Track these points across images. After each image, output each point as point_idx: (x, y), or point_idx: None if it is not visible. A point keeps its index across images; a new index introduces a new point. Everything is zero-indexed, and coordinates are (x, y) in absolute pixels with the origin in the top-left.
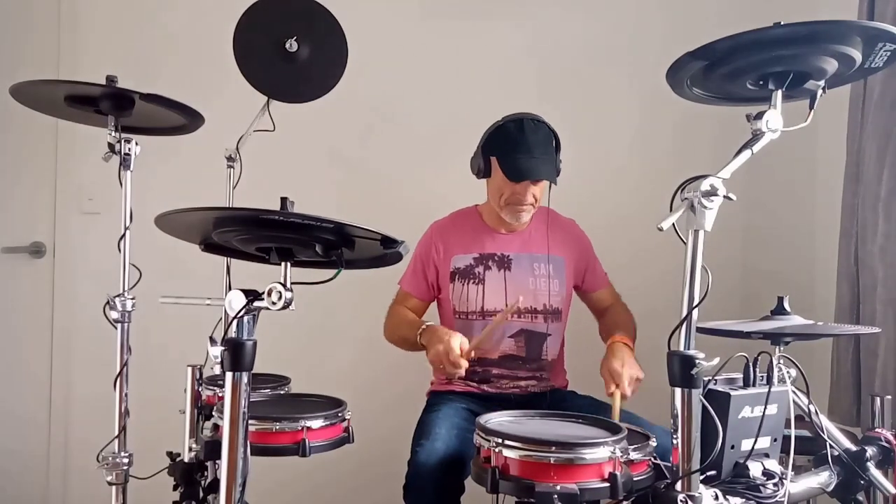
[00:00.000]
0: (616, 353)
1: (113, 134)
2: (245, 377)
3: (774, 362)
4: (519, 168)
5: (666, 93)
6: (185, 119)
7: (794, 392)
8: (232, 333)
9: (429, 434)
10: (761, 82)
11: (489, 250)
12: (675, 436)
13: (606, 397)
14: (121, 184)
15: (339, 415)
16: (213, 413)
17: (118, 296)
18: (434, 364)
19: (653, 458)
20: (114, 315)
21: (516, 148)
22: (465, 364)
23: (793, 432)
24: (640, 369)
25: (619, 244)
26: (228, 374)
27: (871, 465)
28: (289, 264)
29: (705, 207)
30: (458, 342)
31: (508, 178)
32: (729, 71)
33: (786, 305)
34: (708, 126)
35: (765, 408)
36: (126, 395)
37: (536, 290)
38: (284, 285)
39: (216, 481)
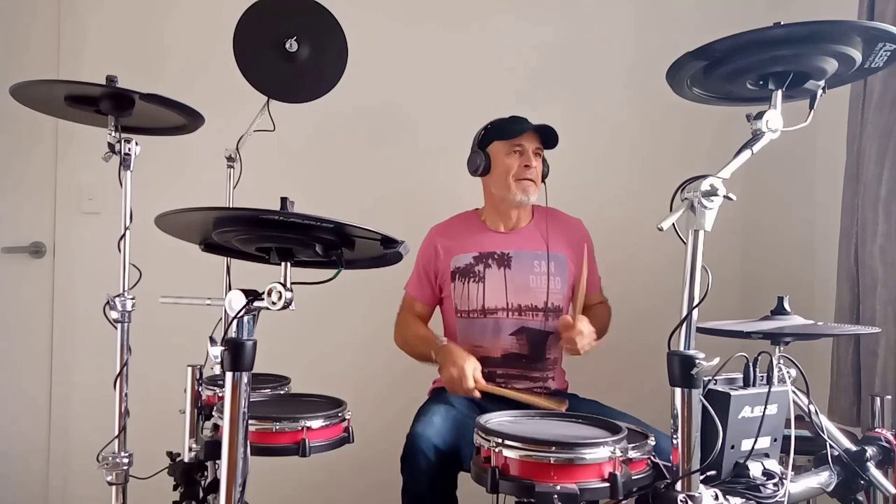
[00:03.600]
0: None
1: (113, 134)
2: (245, 377)
3: (774, 362)
4: (518, 128)
5: (665, 92)
6: (185, 119)
7: (794, 392)
8: (232, 333)
9: (427, 411)
10: (761, 82)
11: (489, 249)
12: (675, 436)
13: (609, 401)
14: (121, 184)
15: (339, 415)
16: (213, 413)
17: (118, 296)
18: (447, 386)
19: (651, 457)
20: (114, 315)
21: (514, 121)
22: (476, 394)
23: (793, 432)
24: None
25: (617, 243)
26: (228, 374)
27: (871, 465)
28: (289, 264)
29: (705, 207)
30: (471, 369)
31: (512, 137)
32: (729, 71)
33: (786, 305)
34: (707, 126)
35: (765, 408)
36: (126, 394)
37: (537, 288)
38: (284, 285)
39: (216, 481)
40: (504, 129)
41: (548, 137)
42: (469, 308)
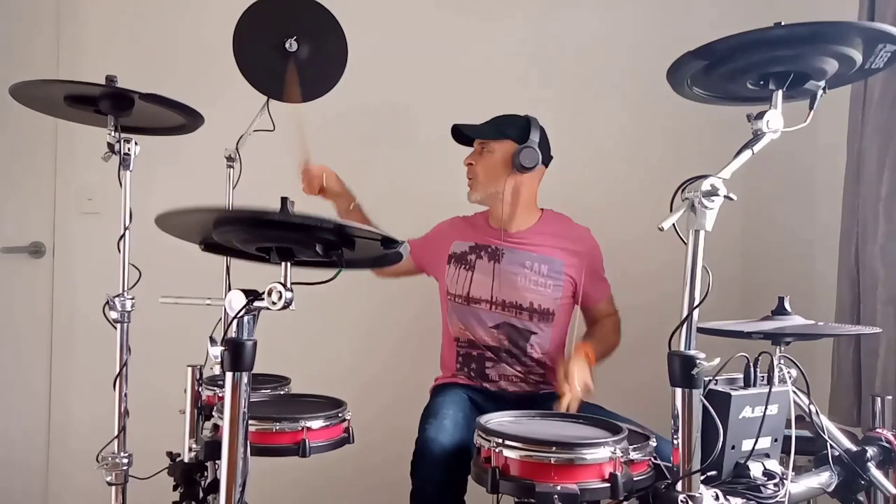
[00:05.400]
0: (576, 358)
1: (112, 134)
2: (245, 377)
3: (775, 362)
4: (455, 137)
5: (666, 92)
6: (184, 119)
7: (794, 392)
8: (232, 333)
9: (437, 413)
10: (762, 82)
11: (485, 241)
12: (675, 436)
13: (608, 402)
14: (120, 184)
15: (339, 415)
16: (213, 413)
17: (118, 296)
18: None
19: (653, 459)
20: (113, 315)
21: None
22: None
23: (793, 432)
24: (591, 379)
25: (616, 243)
26: (228, 375)
27: (871, 466)
28: (289, 264)
29: (706, 207)
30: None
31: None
32: (729, 71)
33: (786, 305)
34: (708, 126)
35: (765, 408)
36: (126, 395)
37: (524, 288)
38: (284, 285)
39: (216, 481)
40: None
41: (479, 130)
42: (456, 293)
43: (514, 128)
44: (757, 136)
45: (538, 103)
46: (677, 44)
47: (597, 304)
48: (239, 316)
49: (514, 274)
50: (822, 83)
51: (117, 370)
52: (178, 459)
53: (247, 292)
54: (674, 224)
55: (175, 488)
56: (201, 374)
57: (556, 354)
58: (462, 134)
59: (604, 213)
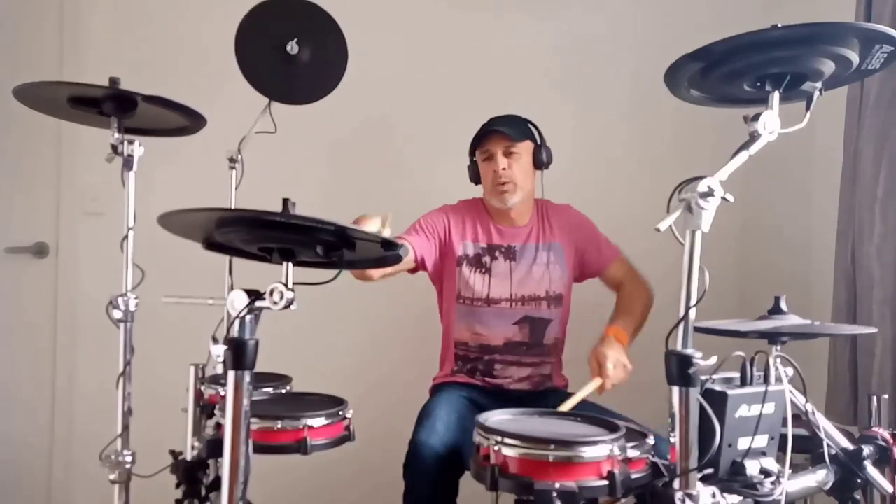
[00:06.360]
0: (605, 342)
1: (116, 135)
2: (247, 376)
3: (771, 361)
4: (480, 133)
5: (665, 93)
6: (187, 120)
7: (790, 391)
8: (234, 333)
9: (430, 415)
10: (759, 84)
11: (496, 241)
12: (672, 434)
13: (608, 400)
14: (123, 184)
15: (340, 413)
16: (216, 412)
17: (121, 296)
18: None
19: (650, 456)
20: (117, 315)
21: (484, 127)
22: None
23: (790, 431)
24: (628, 360)
25: (617, 243)
26: (230, 374)
27: (868, 464)
28: (290, 264)
29: (702, 208)
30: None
31: (479, 145)
32: (727, 72)
33: (782, 305)
34: (707, 127)
35: (762, 406)
36: (129, 394)
37: (539, 278)
38: (286, 285)
39: (218, 480)
40: (475, 137)
41: (512, 132)
42: (473, 296)
43: (527, 128)
44: (753, 137)
45: (540, 103)
46: (678, 45)
47: (609, 265)
48: (241, 315)
49: (531, 268)
50: (819, 84)
51: (120, 369)
52: (180, 457)
53: (249, 292)
54: (671, 225)
55: (177, 486)
56: (203, 373)
57: (562, 338)
58: (480, 137)
59: (605, 214)
